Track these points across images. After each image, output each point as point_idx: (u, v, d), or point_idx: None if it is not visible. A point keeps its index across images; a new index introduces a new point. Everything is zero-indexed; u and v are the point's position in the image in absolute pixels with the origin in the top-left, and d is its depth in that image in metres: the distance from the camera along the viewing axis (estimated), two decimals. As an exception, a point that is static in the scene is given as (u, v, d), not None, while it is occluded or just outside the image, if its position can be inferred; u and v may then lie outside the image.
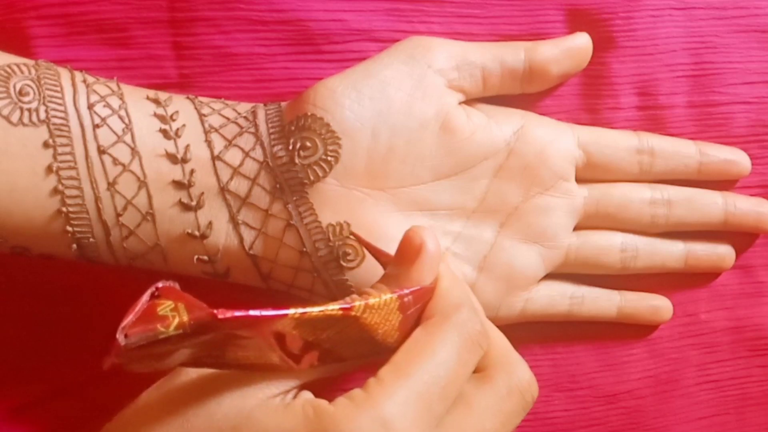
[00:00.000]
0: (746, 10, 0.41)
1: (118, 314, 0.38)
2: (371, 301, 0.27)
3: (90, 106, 0.33)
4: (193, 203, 0.34)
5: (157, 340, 0.24)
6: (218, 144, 0.35)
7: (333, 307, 0.26)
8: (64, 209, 0.33)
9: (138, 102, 0.34)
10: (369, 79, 0.35)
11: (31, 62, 0.34)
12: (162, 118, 0.34)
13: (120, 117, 0.34)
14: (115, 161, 0.33)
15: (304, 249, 0.35)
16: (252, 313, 0.25)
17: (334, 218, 0.35)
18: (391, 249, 0.32)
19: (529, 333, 0.40)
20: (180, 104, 0.35)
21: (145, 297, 0.25)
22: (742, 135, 0.41)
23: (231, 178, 0.35)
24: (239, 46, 0.38)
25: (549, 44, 0.38)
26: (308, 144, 0.34)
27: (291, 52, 0.38)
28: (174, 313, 0.25)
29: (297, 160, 0.34)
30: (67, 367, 0.39)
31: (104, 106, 0.34)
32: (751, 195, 0.41)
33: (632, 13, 0.40)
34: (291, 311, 0.26)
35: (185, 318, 0.24)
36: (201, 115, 0.35)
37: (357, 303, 0.27)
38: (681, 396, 0.41)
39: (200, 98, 0.36)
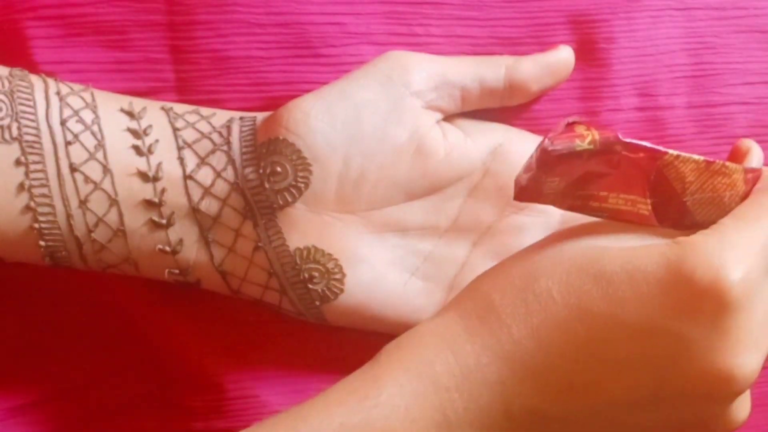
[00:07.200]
0: (746, 11, 0.41)
1: (117, 315, 0.39)
2: (728, 163, 0.32)
3: (63, 122, 0.33)
4: (164, 222, 0.34)
5: (573, 152, 0.30)
6: (190, 162, 0.35)
7: (699, 158, 0.31)
8: (36, 225, 0.33)
9: (111, 115, 0.34)
10: (344, 101, 0.35)
11: (5, 72, 0.34)
12: (135, 133, 0.34)
13: (93, 133, 0.34)
14: (87, 179, 0.33)
15: (272, 270, 0.35)
16: (644, 143, 0.31)
17: (301, 242, 0.35)
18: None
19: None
20: (154, 117, 0.35)
21: (564, 122, 0.30)
22: (741, 135, 0.41)
23: (202, 198, 0.35)
24: (237, 50, 0.38)
25: (530, 61, 0.37)
26: (278, 169, 0.34)
27: (288, 56, 0.38)
28: (588, 132, 0.30)
29: (267, 185, 0.35)
30: (67, 368, 0.39)
31: (77, 121, 0.34)
32: (750, 196, 0.41)
33: (632, 13, 0.40)
34: (671, 151, 0.31)
35: (596, 136, 0.30)
36: (175, 130, 0.35)
37: (718, 161, 0.32)
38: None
39: (175, 108, 0.36)
